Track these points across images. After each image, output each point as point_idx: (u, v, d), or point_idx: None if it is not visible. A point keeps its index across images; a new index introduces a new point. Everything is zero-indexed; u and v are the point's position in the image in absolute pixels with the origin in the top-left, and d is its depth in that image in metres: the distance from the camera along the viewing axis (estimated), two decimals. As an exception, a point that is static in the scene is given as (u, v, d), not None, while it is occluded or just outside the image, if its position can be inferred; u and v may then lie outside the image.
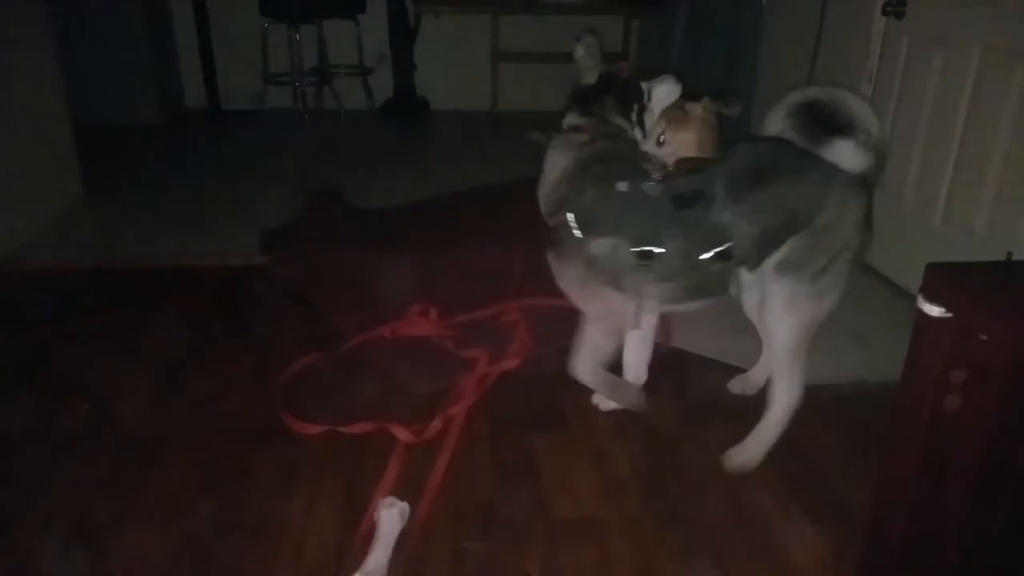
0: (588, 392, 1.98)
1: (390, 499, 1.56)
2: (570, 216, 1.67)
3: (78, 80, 3.40)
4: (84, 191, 3.35)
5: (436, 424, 1.80)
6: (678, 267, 1.62)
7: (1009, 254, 1.89)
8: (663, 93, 1.75)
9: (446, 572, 1.44)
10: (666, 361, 2.14)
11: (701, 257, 1.60)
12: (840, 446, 1.83)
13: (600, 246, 1.65)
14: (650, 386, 1.98)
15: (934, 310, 1.03)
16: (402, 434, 1.77)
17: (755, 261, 1.63)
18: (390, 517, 1.51)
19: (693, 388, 2.07)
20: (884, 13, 2.61)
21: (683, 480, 1.71)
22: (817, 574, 1.46)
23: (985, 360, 1.04)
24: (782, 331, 1.67)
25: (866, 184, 1.62)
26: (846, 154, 1.58)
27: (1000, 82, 2.18)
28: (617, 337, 1.83)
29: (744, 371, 2.09)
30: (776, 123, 1.64)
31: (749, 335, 2.26)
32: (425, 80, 4.93)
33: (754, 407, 1.97)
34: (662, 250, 1.59)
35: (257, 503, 1.60)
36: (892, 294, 2.56)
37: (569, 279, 1.75)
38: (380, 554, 1.45)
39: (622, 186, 1.63)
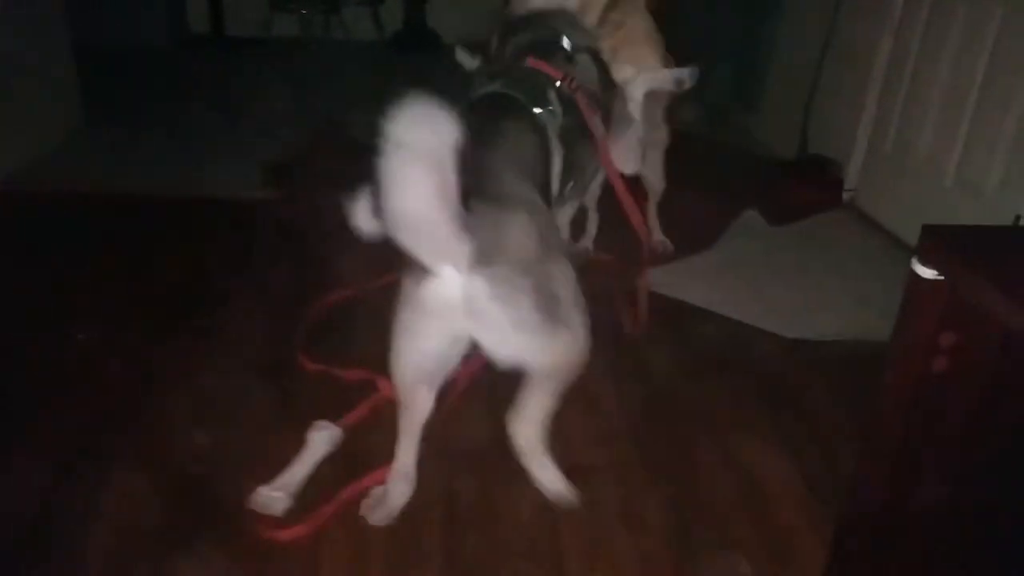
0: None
1: (323, 423, 1.59)
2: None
3: (80, 1, 3.32)
4: (85, 117, 3.31)
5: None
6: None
7: (1017, 218, 1.86)
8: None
9: (440, 516, 1.46)
10: (663, 311, 2.15)
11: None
12: (837, 403, 1.83)
13: None
14: (648, 335, 2.00)
15: (927, 272, 1.02)
16: (385, 387, 1.70)
17: None
18: (318, 439, 1.56)
19: (690, 339, 2.07)
20: (910, -39, 2.52)
21: (675, 431, 1.72)
22: (806, 533, 1.47)
23: (975, 326, 1.04)
24: None
25: None
26: None
27: (1021, 41, 2.11)
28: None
29: (742, 323, 2.09)
30: None
31: (751, 290, 2.27)
32: (437, 12, 4.80)
33: (748, 358, 1.99)
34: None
35: (247, 436, 1.63)
36: (902, 253, 2.53)
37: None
38: (295, 471, 1.49)
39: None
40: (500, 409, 1.76)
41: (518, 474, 1.52)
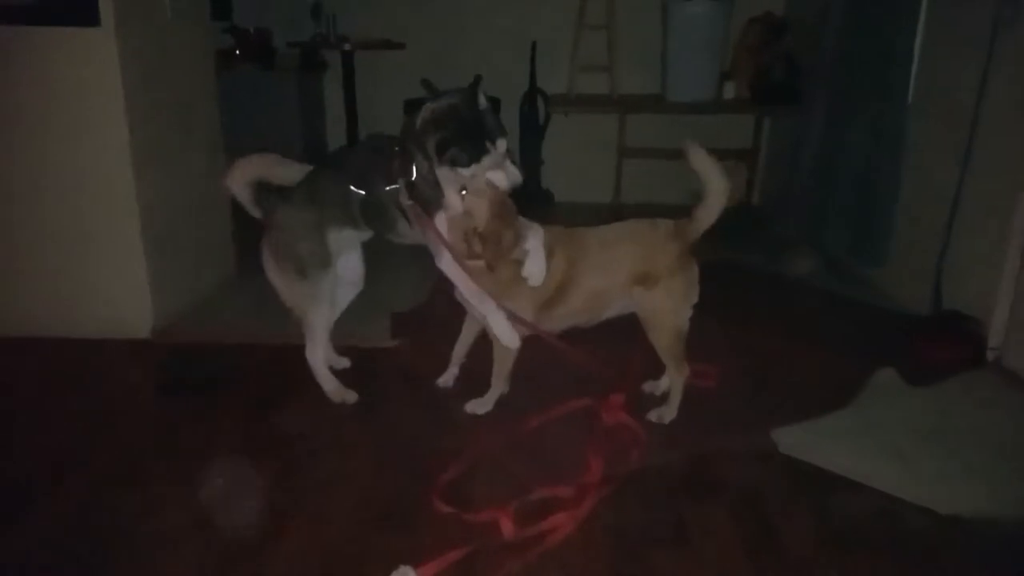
0: (712, 503, 1.90)
1: (405, 568, 1.56)
2: None
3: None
4: (237, 269, 3.58)
5: (545, 525, 1.78)
6: None
7: None
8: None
9: None
10: (798, 476, 2.02)
11: None
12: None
13: None
14: (787, 506, 1.88)
15: None
16: (507, 527, 1.76)
17: None
18: None
19: (830, 511, 1.92)
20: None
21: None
22: None
23: None
24: None
25: None
26: None
27: None
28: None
29: (888, 495, 1.93)
30: None
31: (896, 458, 2.10)
32: (551, 174, 5.07)
33: (900, 535, 1.82)
34: None
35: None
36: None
37: None
38: None
39: None
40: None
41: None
